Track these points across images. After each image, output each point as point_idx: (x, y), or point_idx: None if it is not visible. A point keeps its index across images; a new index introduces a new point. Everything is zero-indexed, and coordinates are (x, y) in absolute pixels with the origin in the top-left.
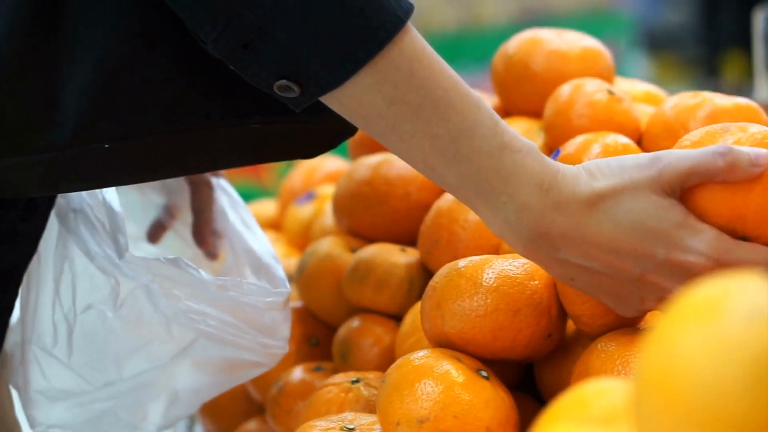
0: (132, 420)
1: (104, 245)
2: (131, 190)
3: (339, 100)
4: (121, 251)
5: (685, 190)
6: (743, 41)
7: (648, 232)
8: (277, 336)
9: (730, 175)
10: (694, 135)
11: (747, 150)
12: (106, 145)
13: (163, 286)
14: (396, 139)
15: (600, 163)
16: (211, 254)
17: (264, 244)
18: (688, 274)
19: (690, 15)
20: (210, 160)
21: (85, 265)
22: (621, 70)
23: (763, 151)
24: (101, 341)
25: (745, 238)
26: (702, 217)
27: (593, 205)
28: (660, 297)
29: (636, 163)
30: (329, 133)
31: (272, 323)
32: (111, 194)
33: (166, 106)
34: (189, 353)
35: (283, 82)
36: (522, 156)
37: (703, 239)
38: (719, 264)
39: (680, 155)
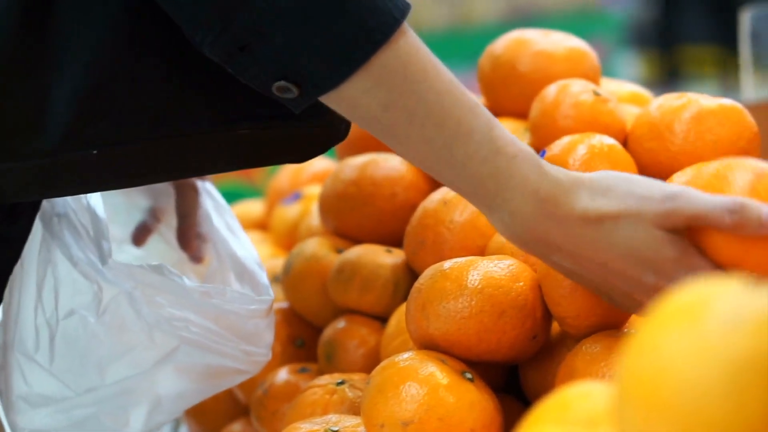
0: (114, 426)
1: (87, 251)
2: (116, 193)
3: (337, 102)
4: (104, 257)
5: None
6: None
7: (642, 260)
8: (260, 343)
9: (737, 231)
10: (687, 174)
11: (758, 209)
12: (94, 151)
13: (145, 292)
14: (393, 141)
15: (608, 182)
16: (196, 258)
17: (248, 250)
18: None
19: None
20: (199, 165)
21: (68, 270)
22: (611, 69)
23: None
24: (83, 347)
25: None
26: (704, 250)
27: (591, 224)
28: (647, 299)
29: (647, 194)
30: (319, 139)
31: (255, 330)
32: (95, 199)
33: (155, 112)
34: (171, 360)
35: (282, 83)
36: (518, 162)
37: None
38: None
39: (692, 200)
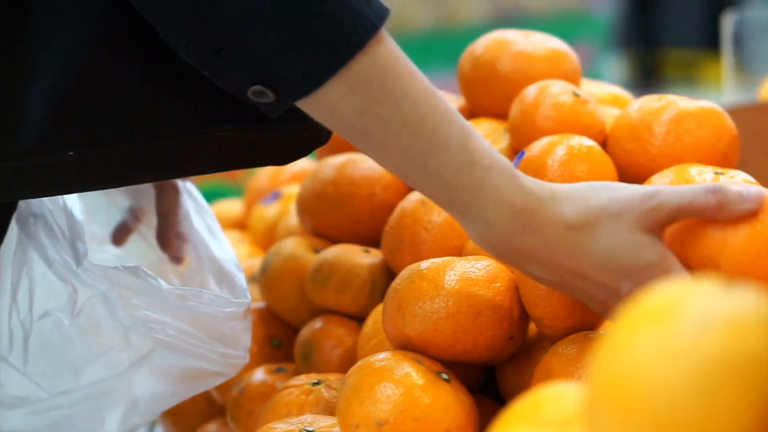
0: (89, 428)
1: (63, 252)
2: (96, 192)
3: (313, 108)
4: (79, 258)
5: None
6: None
7: (620, 268)
8: (237, 346)
9: (721, 212)
10: (664, 176)
11: (736, 188)
12: (71, 153)
13: (121, 294)
14: (369, 148)
15: (586, 191)
16: (176, 258)
17: (227, 252)
18: None
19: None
20: (179, 167)
21: (44, 271)
22: (596, 71)
23: (752, 188)
24: (58, 349)
25: None
26: (679, 254)
27: (570, 231)
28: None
29: (627, 196)
30: (300, 141)
31: (232, 333)
32: (72, 200)
33: (134, 113)
34: (147, 362)
35: (258, 87)
36: (493, 174)
37: None
38: None
39: (673, 192)
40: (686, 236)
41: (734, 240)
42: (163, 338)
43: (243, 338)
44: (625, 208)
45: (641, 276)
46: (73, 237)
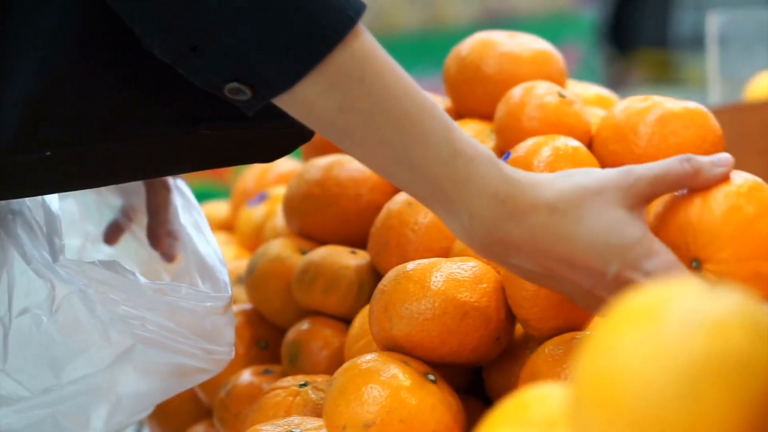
0: (73, 427)
1: (41, 248)
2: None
3: (291, 105)
4: (55, 254)
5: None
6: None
7: (605, 248)
8: (220, 341)
9: (697, 178)
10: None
11: (704, 156)
12: (48, 153)
13: (98, 290)
14: (350, 144)
15: (567, 177)
16: (168, 256)
17: (212, 247)
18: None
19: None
20: (160, 166)
21: (23, 268)
22: (584, 72)
23: (720, 154)
24: (37, 346)
25: (697, 260)
26: (658, 228)
27: (553, 215)
28: (609, 297)
29: (605, 174)
30: (284, 139)
31: (213, 328)
32: (51, 196)
33: (110, 112)
34: (129, 359)
35: (234, 84)
36: (476, 164)
37: (655, 262)
38: None
39: (648, 166)
40: (665, 209)
41: (707, 209)
42: (144, 334)
43: (226, 333)
44: (604, 185)
45: (626, 256)
46: (51, 233)
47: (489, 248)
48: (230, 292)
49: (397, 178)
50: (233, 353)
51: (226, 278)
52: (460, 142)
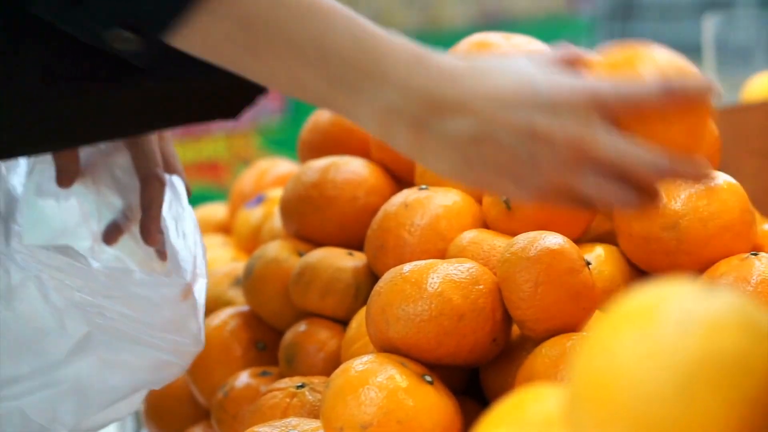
0: (41, 420)
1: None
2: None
3: (190, 43)
4: (9, 239)
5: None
6: None
7: (533, 93)
8: (184, 332)
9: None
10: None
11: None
12: None
13: (53, 276)
14: (254, 61)
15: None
16: (162, 253)
17: (190, 238)
18: (576, 127)
19: None
20: (112, 126)
21: None
22: None
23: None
24: None
25: None
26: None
27: (480, 64)
28: (553, 163)
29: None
30: (239, 90)
31: (174, 317)
32: (17, 178)
33: (39, 70)
34: (89, 348)
35: (118, 31)
36: (389, 37)
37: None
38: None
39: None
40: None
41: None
42: (101, 322)
43: (189, 324)
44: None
45: (559, 103)
46: (8, 216)
47: (423, 121)
48: (186, 279)
49: (310, 83)
50: (200, 346)
51: (188, 265)
52: (368, 24)
